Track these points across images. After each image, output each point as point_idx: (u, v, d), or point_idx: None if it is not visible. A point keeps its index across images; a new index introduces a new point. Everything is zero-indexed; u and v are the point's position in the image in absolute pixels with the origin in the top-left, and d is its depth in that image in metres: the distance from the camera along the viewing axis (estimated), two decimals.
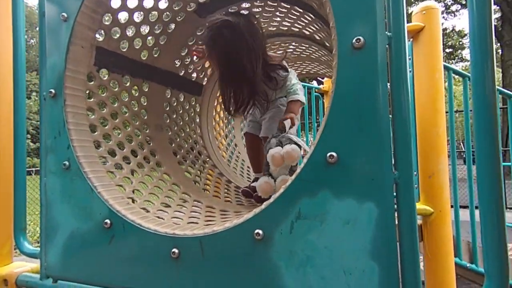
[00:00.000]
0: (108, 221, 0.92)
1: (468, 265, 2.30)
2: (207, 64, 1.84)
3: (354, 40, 0.67)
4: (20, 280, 1.09)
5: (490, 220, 0.62)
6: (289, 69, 1.53)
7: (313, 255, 0.70)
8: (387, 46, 0.68)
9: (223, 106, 1.58)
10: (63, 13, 1.01)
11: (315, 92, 3.61)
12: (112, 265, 0.90)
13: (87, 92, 1.13)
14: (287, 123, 1.29)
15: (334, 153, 0.69)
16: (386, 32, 0.68)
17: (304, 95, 3.51)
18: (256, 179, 1.82)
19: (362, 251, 0.66)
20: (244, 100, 1.37)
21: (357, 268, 0.66)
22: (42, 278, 1.00)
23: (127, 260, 0.89)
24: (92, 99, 1.18)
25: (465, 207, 2.59)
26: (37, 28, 1.11)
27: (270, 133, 1.59)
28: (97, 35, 1.13)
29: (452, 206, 2.14)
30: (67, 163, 0.99)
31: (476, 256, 2.34)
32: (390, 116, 0.69)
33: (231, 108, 1.42)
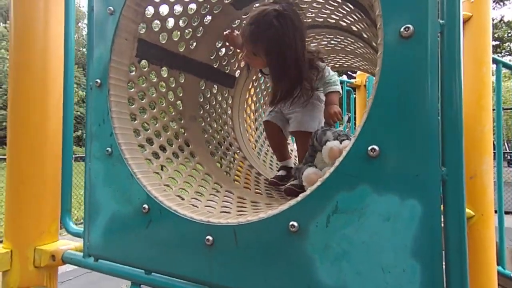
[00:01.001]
0: (146, 206, 0.96)
1: None
2: (239, 56, 1.84)
3: (402, 29, 0.64)
4: (65, 257, 1.18)
5: None
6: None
7: (349, 249, 0.68)
8: (439, 34, 0.64)
9: (269, 97, 1.62)
10: (110, 7, 1.06)
11: (347, 86, 3.51)
12: (148, 248, 0.94)
13: (128, 82, 1.18)
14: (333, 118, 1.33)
15: (376, 147, 0.66)
16: (438, 20, 0.64)
17: None
18: (283, 168, 1.80)
19: (403, 250, 0.63)
20: (293, 87, 1.38)
21: (396, 266, 0.63)
22: (84, 256, 1.08)
23: (162, 244, 0.92)
24: (133, 89, 1.23)
25: (509, 212, 2.40)
26: (79, 24, 1.17)
27: (304, 127, 1.57)
28: (139, 28, 1.18)
29: (496, 211, 1.99)
30: (109, 149, 1.04)
31: None
32: (439, 109, 0.65)
33: (277, 96, 1.44)
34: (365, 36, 1.52)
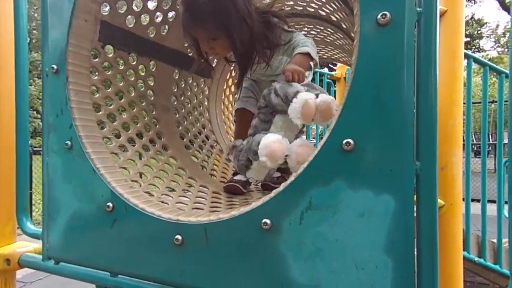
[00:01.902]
0: (110, 204, 0.89)
1: (476, 259, 2.26)
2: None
3: (379, 16, 0.61)
4: (22, 260, 1.09)
5: None
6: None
7: (323, 247, 0.66)
8: (416, 23, 0.61)
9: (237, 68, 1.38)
10: None
11: (327, 78, 3.51)
12: (113, 249, 0.88)
13: (91, 69, 1.09)
14: (288, 76, 0.93)
15: (351, 140, 0.63)
16: (416, 8, 0.61)
17: (315, 82, 3.45)
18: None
19: (376, 246, 0.62)
20: (248, 51, 1.21)
21: (369, 263, 0.62)
22: (44, 259, 0.99)
23: (129, 244, 0.87)
24: (96, 77, 1.13)
25: (474, 200, 2.52)
26: None
27: None
28: (102, 8, 1.08)
29: (463, 199, 2.08)
30: (69, 142, 0.96)
31: (485, 250, 2.30)
32: (414, 102, 0.63)
33: (239, 69, 1.29)
34: (344, 26, 1.50)
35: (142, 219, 0.85)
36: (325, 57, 2.29)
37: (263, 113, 0.97)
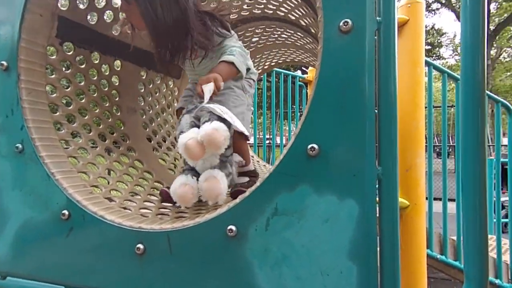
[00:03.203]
0: (66, 212, 0.83)
1: (438, 256, 2.38)
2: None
3: (341, 23, 0.61)
4: None
5: (472, 222, 0.59)
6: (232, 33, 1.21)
7: (289, 254, 0.65)
8: (376, 31, 0.63)
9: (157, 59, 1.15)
10: None
11: (299, 81, 3.56)
12: (69, 260, 0.82)
13: (47, 67, 1.01)
14: (207, 87, 0.88)
15: (315, 145, 0.63)
16: (376, 17, 0.63)
17: (288, 85, 3.48)
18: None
19: (341, 251, 0.62)
20: (180, 35, 1.04)
21: (334, 269, 0.62)
22: None
23: (86, 255, 0.81)
24: (53, 76, 1.06)
25: (436, 199, 2.66)
26: None
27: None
28: (60, 3, 1.01)
29: (426, 198, 2.18)
30: (20, 145, 0.88)
31: (446, 248, 2.43)
32: (376, 108, 0.64)
33: (163, 56, 1.09)
34: (312, 31, 1.52)
35: (101, 227, 0.80)
36: (296, 60, 2.32)
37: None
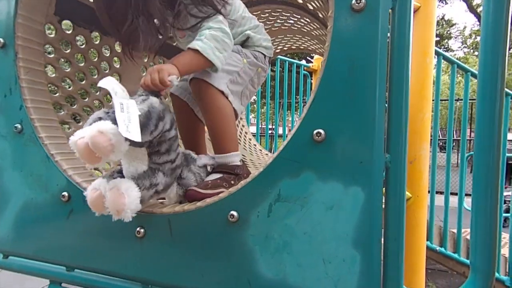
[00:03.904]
0: (66, 194, 0.82)
1: (437, 248, 2.38)
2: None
3: (354, 1, 0.58)
4: None
5: (483, 214, 0.57)
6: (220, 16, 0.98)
7: (290, 240, 0.64)
8: (390, 10, 0.59)
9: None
10: None
11: (304, 70, 3.50)
12: (70, 242, 0.82)
13: (46, 45, 0.98)
14: (110, 84, 0.72)
15: (321, 131, 0.61)
16: None
17: (293, 74, 3.42)
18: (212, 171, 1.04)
19: (344, 239, 0.60)
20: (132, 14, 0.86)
21: (337, 256, 0.61)
22: None
23: (86, 237, 0.80)
24: (52, 55, 1.03)
25: (438, 192, 2.65)
26: None
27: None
28: None
29: (429, 192, 2.17)
30: (19, 126, 0.87)
31: (446, 240, 2.43)
32: (386, 93, 0.61)
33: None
34: (320, 16, 1.47)
35: None
36: (301, 47, 2.27)
37: None
